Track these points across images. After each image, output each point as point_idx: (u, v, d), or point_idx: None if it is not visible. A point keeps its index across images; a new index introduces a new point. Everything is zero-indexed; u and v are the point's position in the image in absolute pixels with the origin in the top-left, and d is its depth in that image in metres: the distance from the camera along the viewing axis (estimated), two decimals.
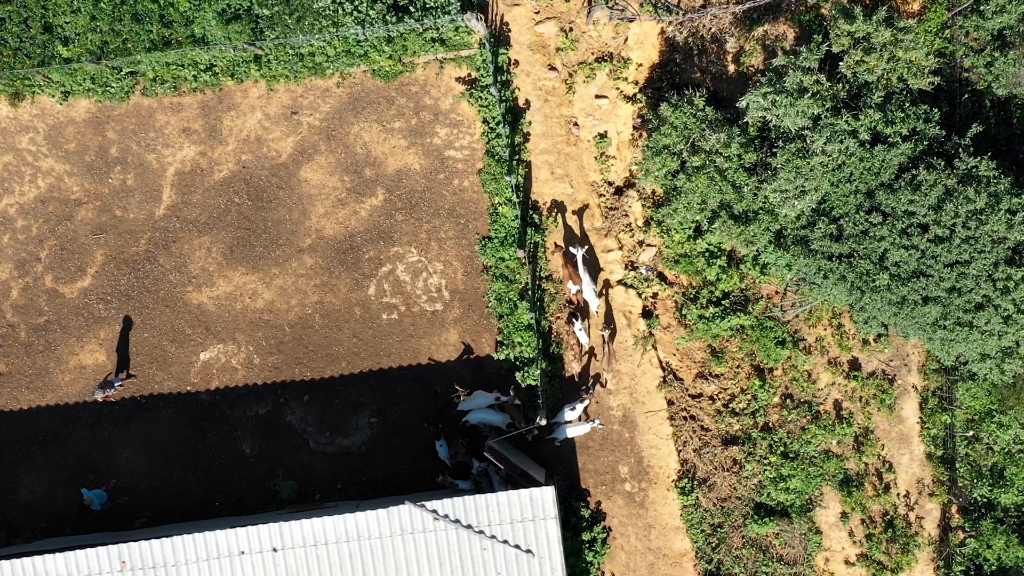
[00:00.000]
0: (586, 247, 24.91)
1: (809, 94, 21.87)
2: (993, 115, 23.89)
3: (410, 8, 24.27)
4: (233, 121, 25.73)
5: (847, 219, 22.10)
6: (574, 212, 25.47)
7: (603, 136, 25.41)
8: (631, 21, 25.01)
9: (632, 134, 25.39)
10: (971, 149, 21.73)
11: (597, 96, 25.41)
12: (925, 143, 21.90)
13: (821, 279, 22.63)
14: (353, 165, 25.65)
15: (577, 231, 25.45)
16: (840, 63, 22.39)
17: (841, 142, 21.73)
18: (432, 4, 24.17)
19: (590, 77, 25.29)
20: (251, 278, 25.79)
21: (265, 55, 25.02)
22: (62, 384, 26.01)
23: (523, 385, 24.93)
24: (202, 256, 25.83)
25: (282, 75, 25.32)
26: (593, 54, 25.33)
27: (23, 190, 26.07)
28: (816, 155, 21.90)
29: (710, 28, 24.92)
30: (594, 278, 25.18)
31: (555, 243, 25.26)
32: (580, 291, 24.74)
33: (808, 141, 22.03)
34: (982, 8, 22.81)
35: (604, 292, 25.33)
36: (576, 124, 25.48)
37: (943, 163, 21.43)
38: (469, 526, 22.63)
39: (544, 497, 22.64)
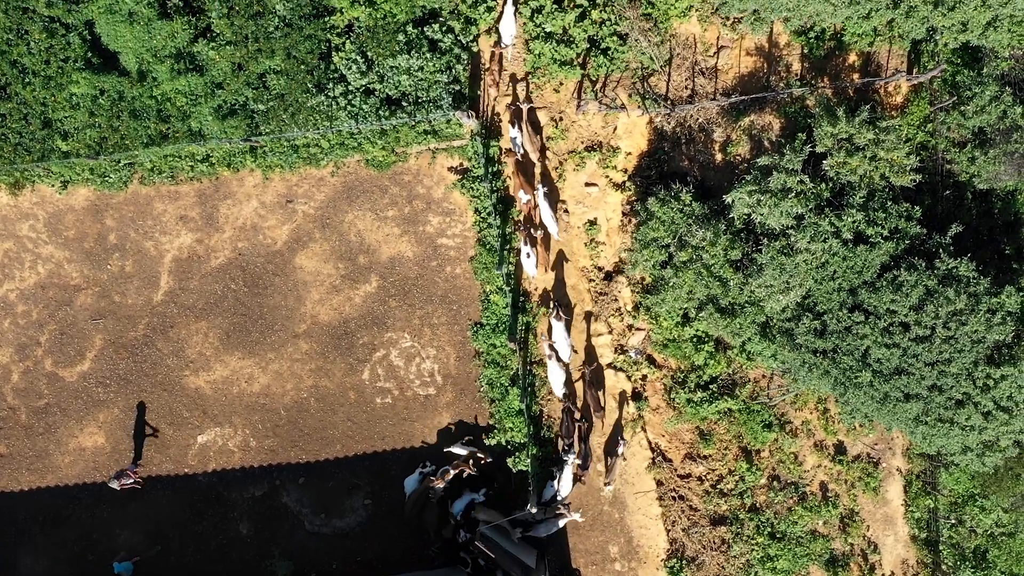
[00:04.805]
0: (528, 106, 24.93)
1: (793, 194, 22.28)
2: (975, 207, 24.26)
3: (403, 103, 24.65)
4: (229, 209, 26.17)
5: (831, 315, 22.49)
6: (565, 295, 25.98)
7: (593, 223, 25.83)
8: (620, 111, 25.42)
9: (621, 220, 25.81)
10: (951, 249, 22.10)
11: (587, 184, 25.83)
12: (907, 241, 22.29)
13: (806, 372, 23.04)
14: (347, 252, 26.08)
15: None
16: (824, 161, 22.81)
17: (824, 241, 22.11)
18: (424, 99, 24.55)
19: (580, 165, 25.71)
20: (247, 363, 26.22)
21: (261, 146, 25.42)
22: (62, 466, 26.46)
23: (515, 470, 25.37)
24: (199, 341, 26.26)
25: (277, 165, 25.73)
26: (583, 143, 25.75)
27: (23, 276, 26.52)
28: (800, 252, 22.30)
29: (697, 119, 25.34)
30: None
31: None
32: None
33: (792, 239, 22.43)
34: (963, 108, 23.21)
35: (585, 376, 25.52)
36: (566, 211, 25.91)
37: (924, 263, 21.75)
38: None
39: None
